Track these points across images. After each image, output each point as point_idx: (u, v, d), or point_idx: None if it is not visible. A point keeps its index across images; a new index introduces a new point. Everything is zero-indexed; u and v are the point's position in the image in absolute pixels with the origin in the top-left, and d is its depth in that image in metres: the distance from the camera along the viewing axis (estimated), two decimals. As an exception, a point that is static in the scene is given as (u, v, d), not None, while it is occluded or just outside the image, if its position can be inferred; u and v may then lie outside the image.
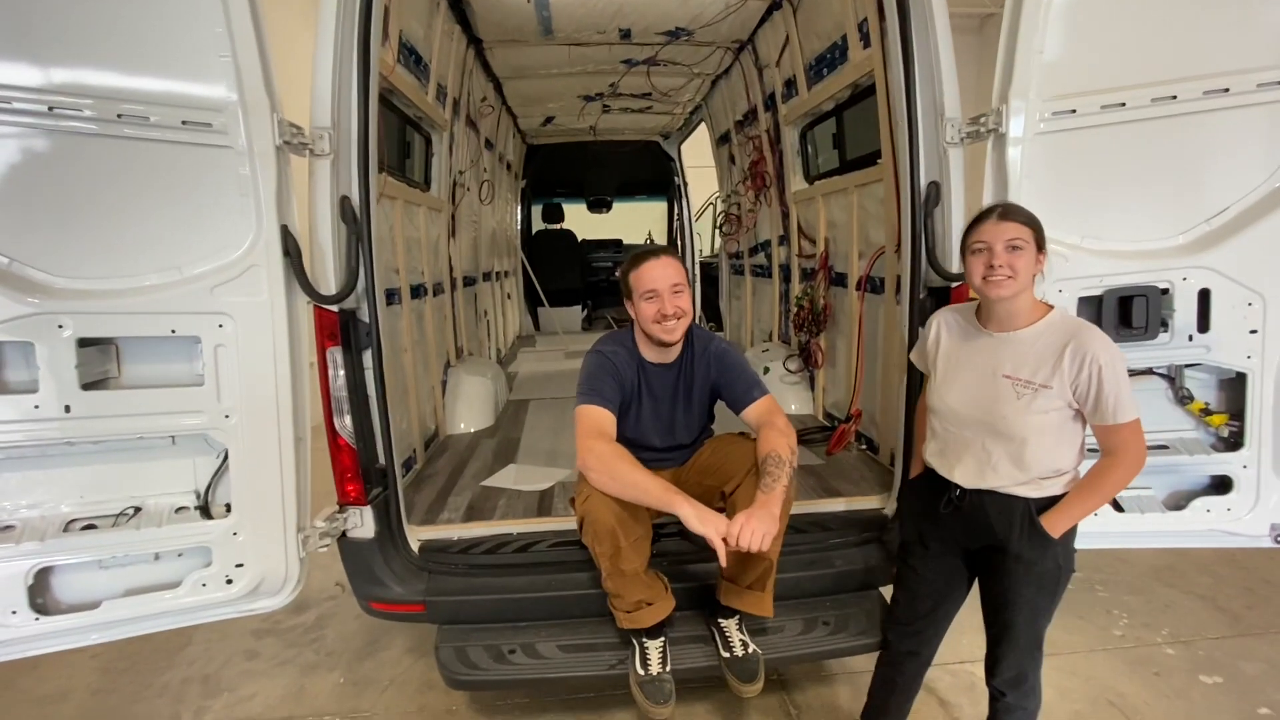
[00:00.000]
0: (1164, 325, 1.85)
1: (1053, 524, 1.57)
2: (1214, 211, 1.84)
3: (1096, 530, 1.86)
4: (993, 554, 1.65)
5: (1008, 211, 1.56)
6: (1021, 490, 1.58)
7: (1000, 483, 1.59)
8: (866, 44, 2.67)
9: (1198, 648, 2.67)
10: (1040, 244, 1.55)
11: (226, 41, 1.61)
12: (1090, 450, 1.61)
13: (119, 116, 1.58)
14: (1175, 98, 1.79)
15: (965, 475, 1.63)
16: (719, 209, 5.59)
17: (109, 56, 1.57)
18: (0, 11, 1.48)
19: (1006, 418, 1.56)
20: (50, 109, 1.53)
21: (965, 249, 1.60)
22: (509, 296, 6.30)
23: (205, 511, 1.80)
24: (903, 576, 1.87)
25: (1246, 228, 1.80)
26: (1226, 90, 1.77)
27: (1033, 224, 1.55)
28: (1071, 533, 1.61)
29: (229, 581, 1.77)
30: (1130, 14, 1.79)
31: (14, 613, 1.63)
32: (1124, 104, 1.80)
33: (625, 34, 3.65)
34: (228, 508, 1.78)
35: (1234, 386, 1.91)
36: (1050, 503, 1.58)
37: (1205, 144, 1.82)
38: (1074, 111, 1.81)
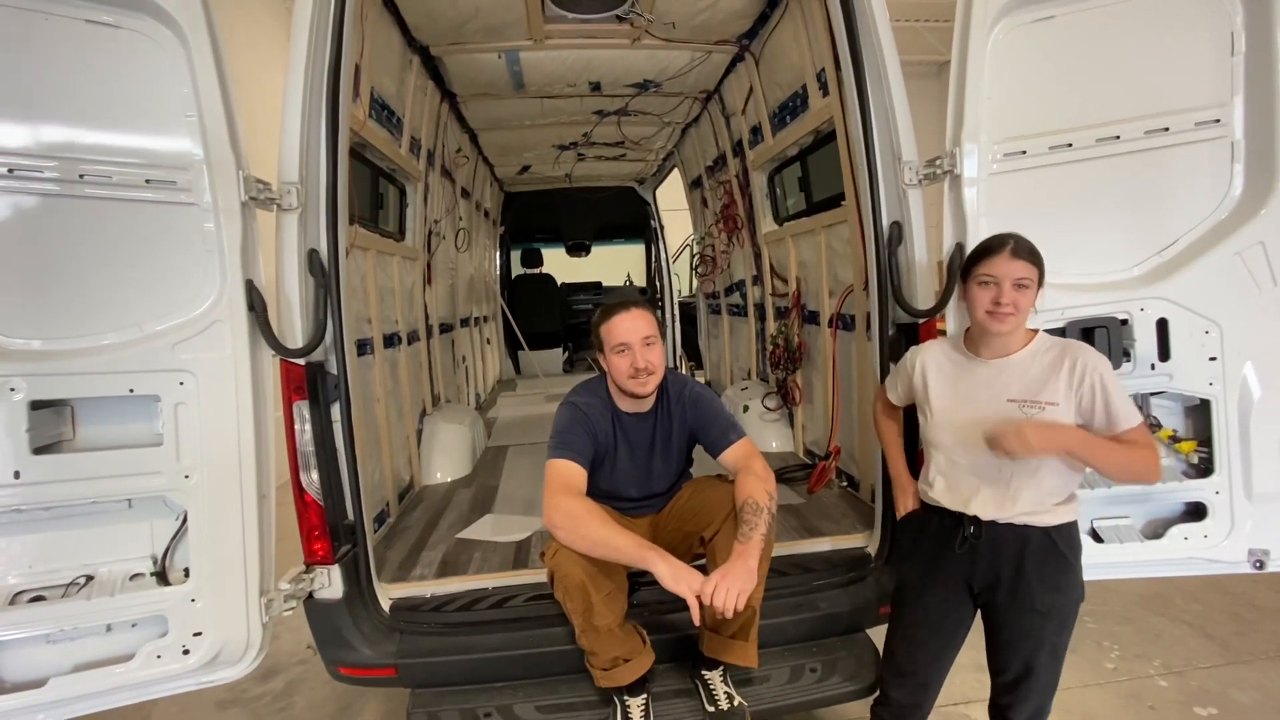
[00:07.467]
0: (1126, 355, 1.88)
1: (1048, 430, 1.47)
2: (1165, 243, 1.89)
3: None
4: (1006, 593, 1.60)
5: (1019, 248, 1.54)
6: (1038, 519, 1.57)
7: (1020, 509, 1.57)
8: (825, 92, 2.77)
9: (1190, 678, 2.63)
10: (1041, 280, 1.57)
11: (192, 101, 1.62)
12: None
13: (81, 177, 1.57)
14: (1119, 137, 1.86)
15: (984, 507, 1.60)
16: (694, 250, 5.68)
17: (72, 117, 1.57)
18: None
19: None
20: (10, 171, 1.51)
21: (969, 276, 1.59)
22: (488, 341, 6.28)
23: (162, 577, 1.72)
24: (901, 623, 1.78)
25: (1198, 258, 1.85)
26: (1167, 129, 1.85)
27: (1038, 262, 1.56)
28: (1080, 562, 1.61)
29: (185, 652, 1.68)
30: (1070, 59, 1.87)
31: (-47, 695, 1.53)
32: (1070, 144, 1.87)
33: (595, 86, 3.77)
34: (186, 572, 1.71)
35: (1199, 413, 1.93)
36: (1059, 531, 1.58)
37: (1152, 179, 1.88)
38: (1024, 152, 1.88)
